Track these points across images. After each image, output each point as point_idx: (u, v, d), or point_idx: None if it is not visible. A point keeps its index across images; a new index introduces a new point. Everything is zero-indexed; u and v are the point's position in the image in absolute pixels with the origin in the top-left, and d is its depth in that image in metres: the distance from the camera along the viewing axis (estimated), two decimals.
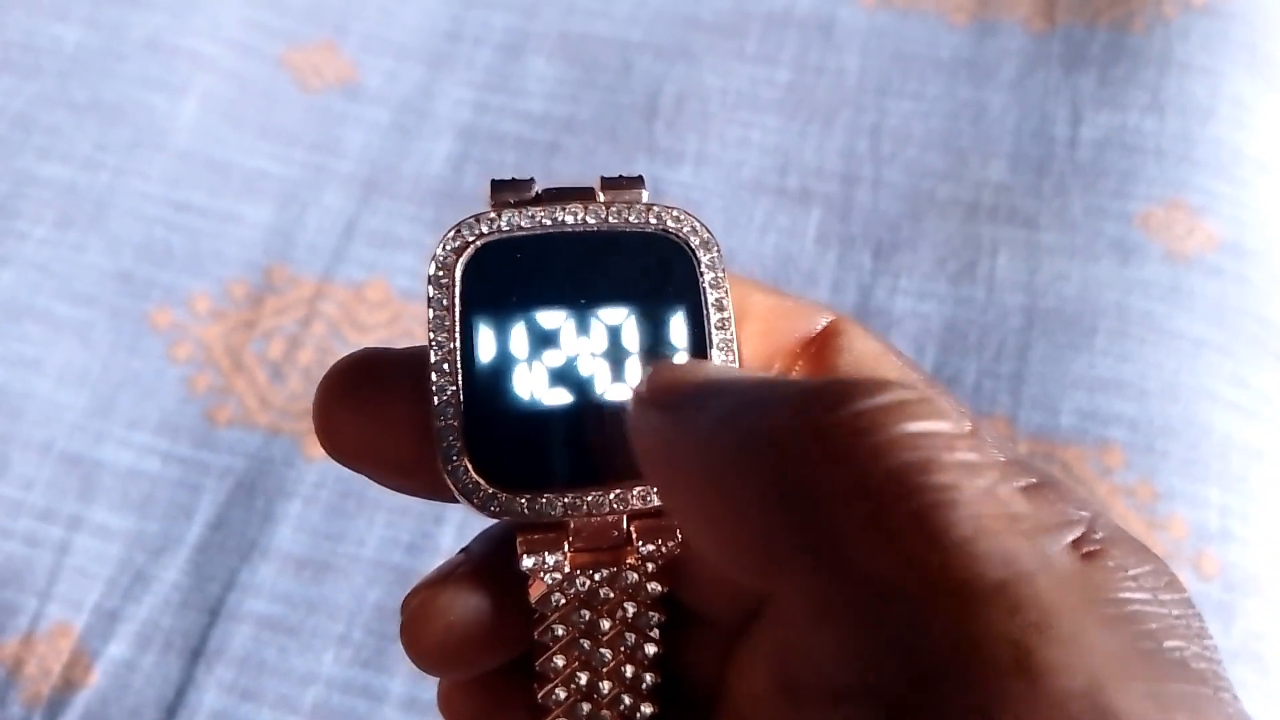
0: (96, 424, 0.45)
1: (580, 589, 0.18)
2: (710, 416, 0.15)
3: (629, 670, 0.18)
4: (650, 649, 0.18)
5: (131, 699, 0.40)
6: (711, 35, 0.55)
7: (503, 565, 0.18)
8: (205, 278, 0.48)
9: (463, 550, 0.19)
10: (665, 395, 0.16)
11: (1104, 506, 0.43)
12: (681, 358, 0.17)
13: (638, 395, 0.16)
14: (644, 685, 0.18)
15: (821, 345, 0.19)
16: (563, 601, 0.18)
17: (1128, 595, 0.15)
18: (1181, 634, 0.15)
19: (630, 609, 0.18)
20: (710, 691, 0.19)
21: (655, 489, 0.17)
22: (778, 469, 0.14)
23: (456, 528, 0.43)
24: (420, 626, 0.18)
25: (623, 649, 0.18)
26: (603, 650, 0.18)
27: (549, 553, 0.17)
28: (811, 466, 0.14)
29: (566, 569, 0.18)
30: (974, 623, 0.12)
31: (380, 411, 0.18)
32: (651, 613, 0.18)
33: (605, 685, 0.18)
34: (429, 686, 0.40)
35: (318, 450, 0.45)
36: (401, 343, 0.47)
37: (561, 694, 0.18)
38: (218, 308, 0.48)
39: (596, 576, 0.18)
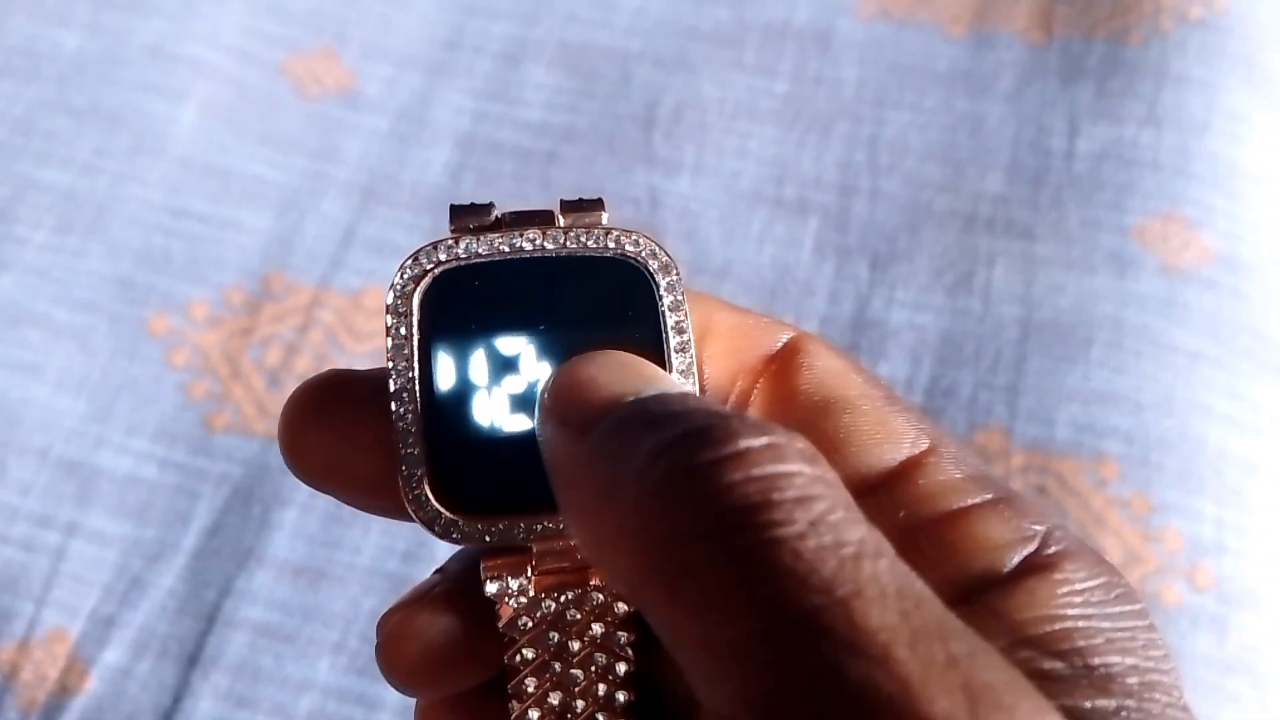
0: (94, 430, 0.45)
1: (547, 612, 0.18)
2: (590, 445, 0.16)
3: (601, 689, 0.18)
4: (621, 667, 0.18)
5: (127, 705, 0.40)
6: (710, 46, 0.56)
7: (478, 585, 0.18)
8: (204, 284, 0.48)
9: (438, 570, 0.19)
10: (561, 408, 0.16)
11: (1089, 519, 0.44)
12: (591, 359, 0.17)
13: (541, 403, 0.17)
14: (617, 703, 0.18)
15: (783, 363, 0.19)
16: (530, 625, 0.18)
17: (1062, 611, 0.15)
18: (1122, 647, 0.15)
19: (598, 629, 0.18)
20: (687, 705, 0.19)
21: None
22: (635, 511, 0.15)
23: None
24: (396, 647, 0.18)
25: (594, 668, 0.18)
26: (574, 671, 0.18)
27: (513, 577, 0.18)
28: (664, 511, 0.14)
29: (532, 592, 0.18)
30: (796, 651, 0.13)
31: (346, 432, 0.18)
32: (620, 632, 0.18)
33: (579, 704, 0.18)
34: None
35: None
36: None
37: (534, 716, 0.18)
38: (216, 314, 0.48)
39: (563, 599, 0.18)
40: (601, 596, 0.18)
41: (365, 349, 0.47)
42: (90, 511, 0.43)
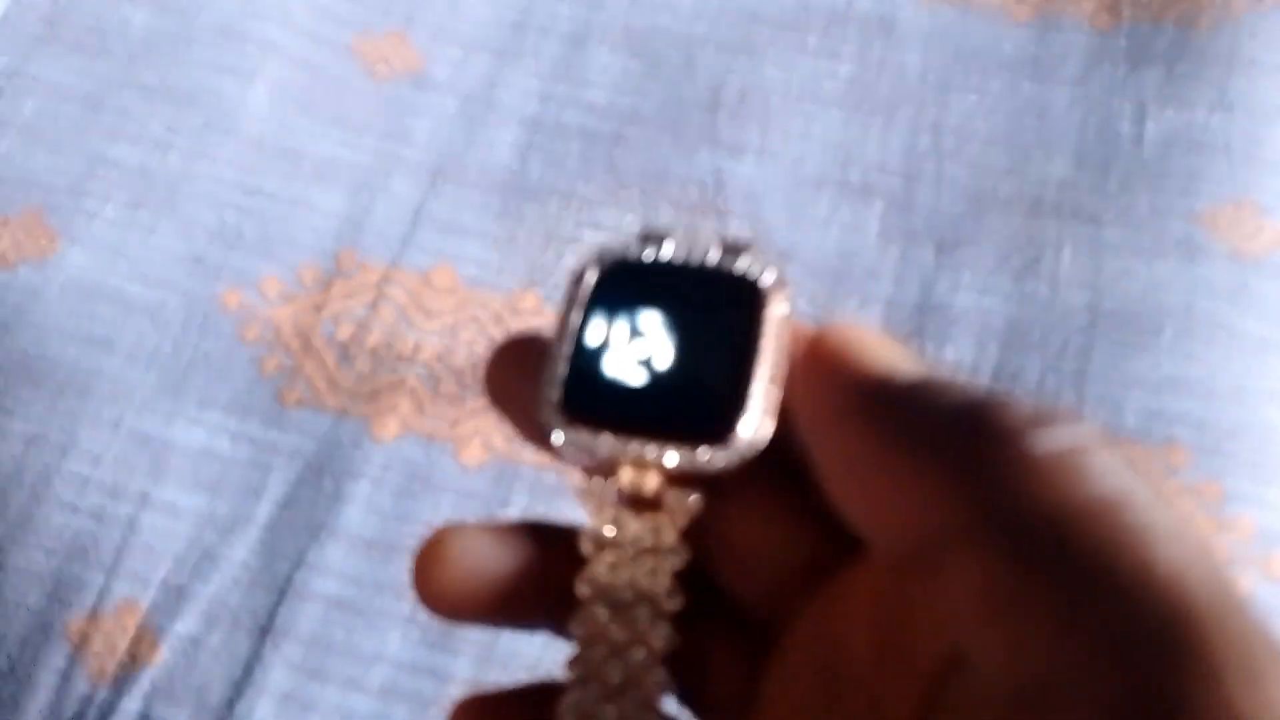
0: (167, 403, 0.45)
1: (626, 531, 0.21)
2: (888, 401, 0.17)
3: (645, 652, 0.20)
4: (672, 602, 0.21)
5: (198, 676, 0.41)
6: (773, 29, 0.55)
7: (545, 531, 0.20)
8: (275, 261, 0.49)
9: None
10: (838, 362, 0.18)
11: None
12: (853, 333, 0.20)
13: (814, 348, 0.19)
14: (668, 609, 0.21)
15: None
16: (611, 536, 0.21)
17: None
18: None
19: (659, 563, 0.21)
20: (739, 700, 0.20)
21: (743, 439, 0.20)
22: (962, 468, 0.16)
23: (520, 511, 0.43)
24: (438, 557, 0.19)
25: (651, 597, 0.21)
26: (635, 605, 0.20)
27: (602, 479, 0.21)
28: (1002, 475, 0.15)
29: (612, 504, 0.21)
30: (1185, 654, 0.14)
31: (524, 375, 0.21)
32: (674, 565, 0.21)
33: (634, 650, 0.20)
34: (495, 668, 0.41)
35: (386, 432, 0.45)
36: (469, 328, 0.47)
37: (598, 651, 0.20)
38: (288, 291, 0.48)
39: (640, 522, 0.21)
40: (666, 535, 0.21)
41: (434, 326, 0.48)
42: (162, 483, 0.44)
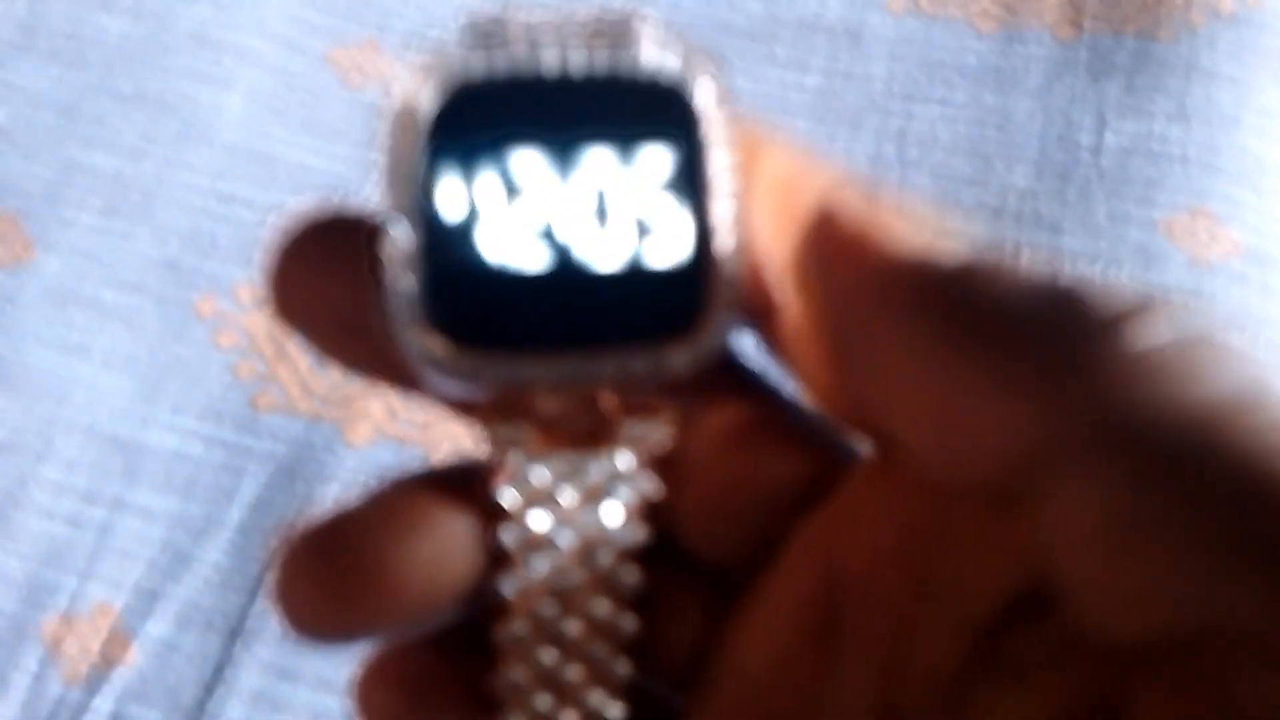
0: (141, 408, 0.46)
1: (552, 476, 0.15)
2: (939, 291, 0.14)
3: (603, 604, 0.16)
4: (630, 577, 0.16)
5: (171, 677, 0.41)
6: (743, 40, 0.56)
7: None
8: (250, 268, 0.49)
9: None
10: (863, 243, 0.14)
11: None
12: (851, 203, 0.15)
13: (828, 226, 0.14)
14: (623, 590, 0.16)
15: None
16: (530, 491, 0.15)
17: None
18: None
19: (608, 512, 0.15)
20: (692, 656, 0.16)
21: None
22: (1051, 372, 0.13)
23: None
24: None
25: (596, 561, 0.16)
26: (572, 569, 0.15)
27: (514, 426, 0.15)
28: (1103, 378, 0.12)
29: (537, 443, 0.15)
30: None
31: (338, 269, 0.15)
32: (639, 496, 0.15)
33: (573, 624, 0.16)
34: None
35: (358, 437, 0.46)
36: None
37: (522, 627, 0.16)
38: (262, 297, 0.49)
39: (568, 464, 0.15)
40: (621, 464, 0.15)
41: None
42: (137, 488, 0.44)
